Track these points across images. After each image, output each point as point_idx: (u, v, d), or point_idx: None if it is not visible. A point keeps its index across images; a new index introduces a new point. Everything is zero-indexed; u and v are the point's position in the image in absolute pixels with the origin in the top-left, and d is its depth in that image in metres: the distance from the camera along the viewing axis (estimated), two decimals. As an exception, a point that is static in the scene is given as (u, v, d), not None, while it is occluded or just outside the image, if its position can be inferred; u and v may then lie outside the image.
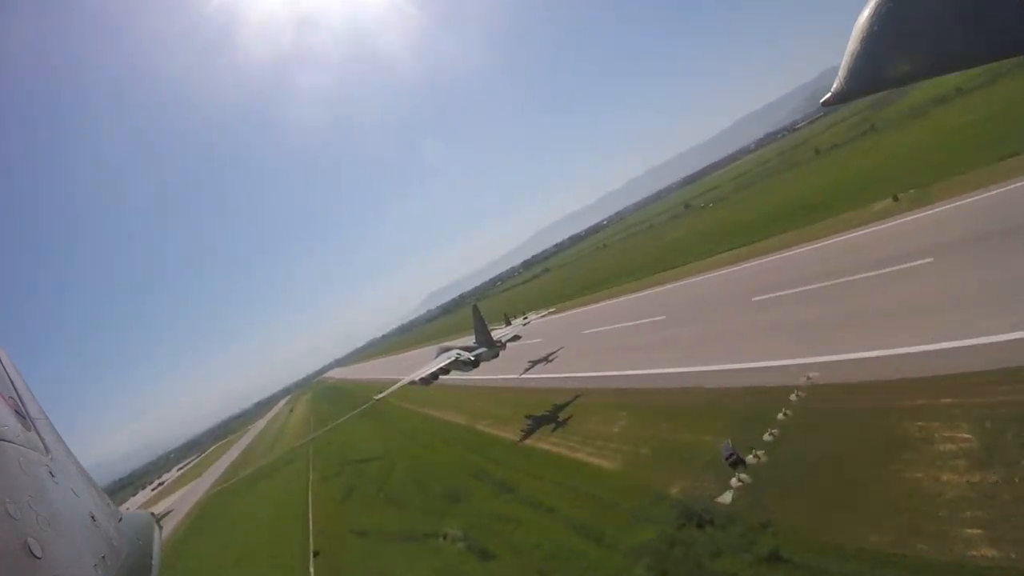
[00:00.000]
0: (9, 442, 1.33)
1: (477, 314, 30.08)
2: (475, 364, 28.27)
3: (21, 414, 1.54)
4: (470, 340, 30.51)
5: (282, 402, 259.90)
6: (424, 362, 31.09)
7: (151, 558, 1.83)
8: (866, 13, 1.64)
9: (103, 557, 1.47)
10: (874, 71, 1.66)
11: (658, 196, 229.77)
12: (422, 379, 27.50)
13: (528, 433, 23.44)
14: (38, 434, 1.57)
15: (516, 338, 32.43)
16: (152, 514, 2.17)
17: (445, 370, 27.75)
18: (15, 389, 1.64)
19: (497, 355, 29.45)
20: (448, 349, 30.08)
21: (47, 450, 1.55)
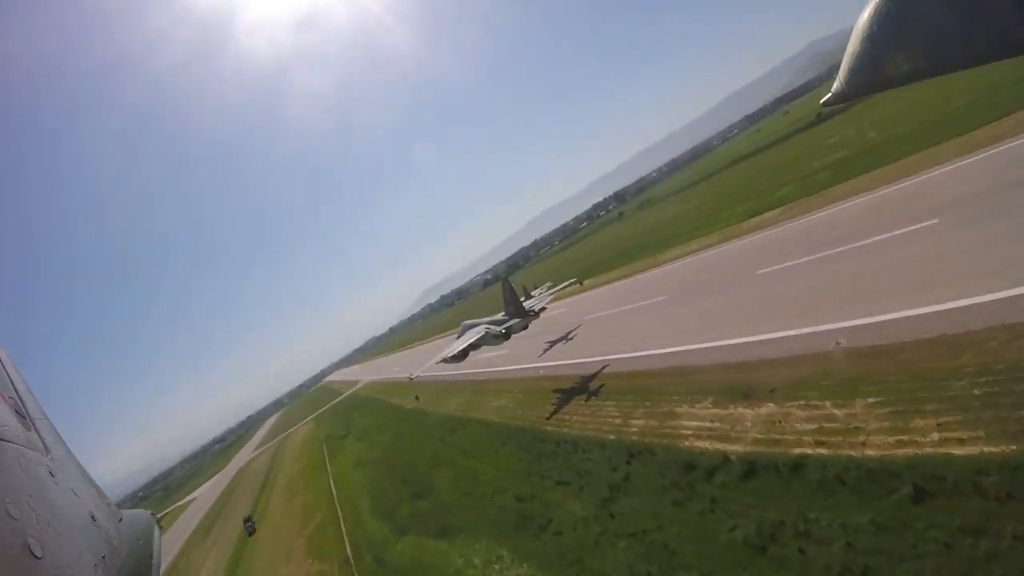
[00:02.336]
0: (9, 442, 1.33)
1: (507, 285, 30.13)
2: (506, 336, 28.25)
3: (21, 414, 1.54)
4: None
5: (266, 426, 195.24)
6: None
7: (151, 558, 1.83)
8: (866, 13, 1.65)
9: (103, 557, 1.47)
10: (874, 71, 1.67)
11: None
12: (453, 357, 27.59)
13: None
14: (38, 434, 1.58)
15: (543, 309, 32.43)
16: (152, 514, 2.18)
17: (475, 345, 28.01)
18: (15, 389, 1.64)
19: (527, 326, 29.50)
20: (475, 325, 29.94)
21: (47, 450, 1.55)
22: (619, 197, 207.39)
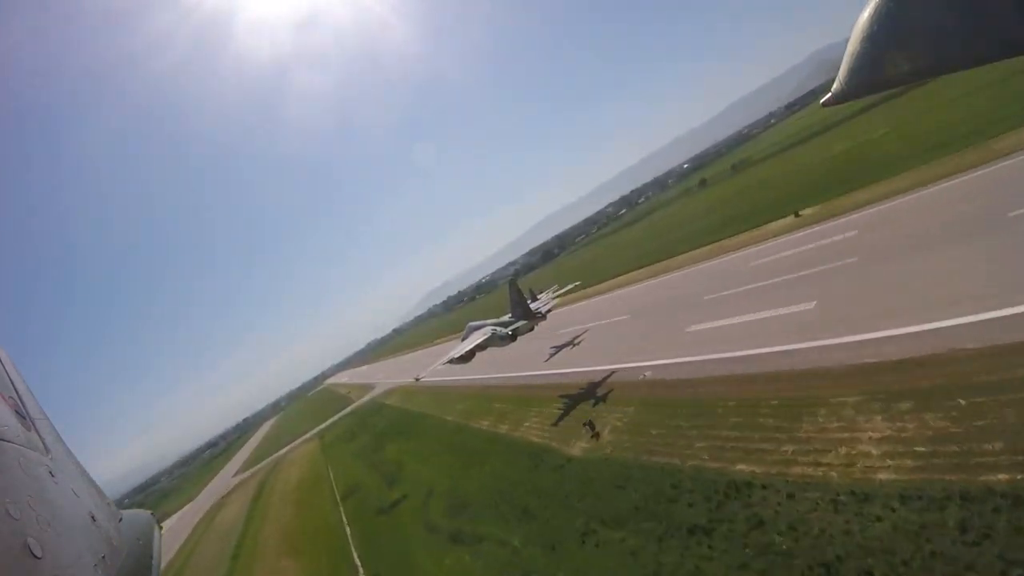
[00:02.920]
0: (9, 442, 1.34)
1: (514, 287, 30.89)
2: (512, 338, 28.81)
3: (21, 414, 1.55)
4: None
5: (256, 436, 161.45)
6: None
7: (151, 558, 1.84)
8: (866, 13, 1.65)
9: (103, 557, 1.48)
10: (874, 71, 1.67)
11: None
12: (460, 357, 27.98)
13: None
14: (38, 434, 1.58)
15: (549, 311, 32.96)
16: (152, 514, 2.19)
17: (482, 347, 28.44)
18: (15, 389, 1.65)
19: (533, 328, 29.96)
20: (481, 326, 30.46)
21: (47, 450, 1.56)
22: (659, 184, 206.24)
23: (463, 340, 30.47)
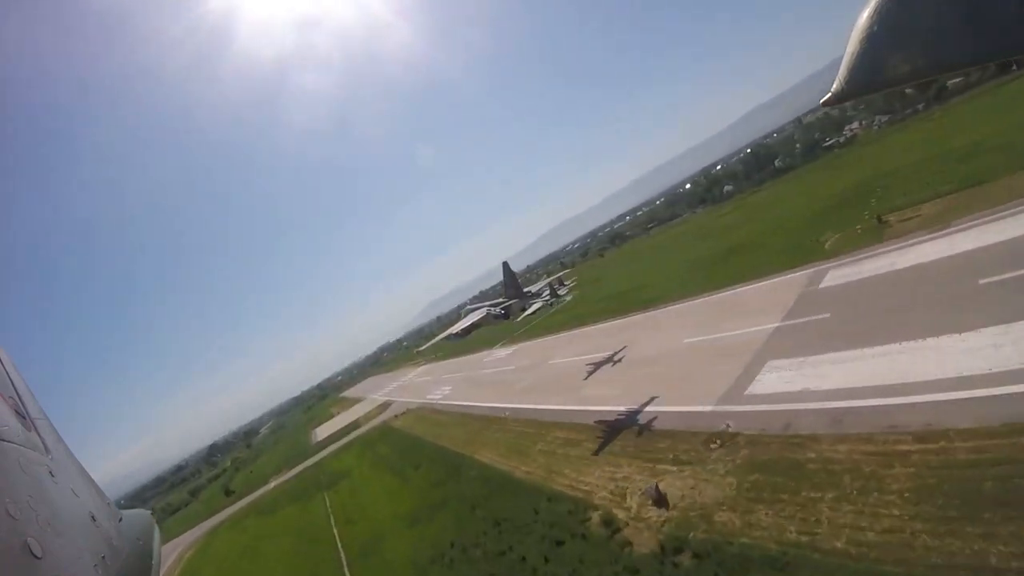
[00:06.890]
0: (9, 442, 1.35)
1: (507, 269, 33.47)
2: (505, 316, 31.68)
3: (21, 414, 1.56)
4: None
5: None
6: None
7: (151, 558, 1.84)
8: (866, 13, 1.65)
9: (103, 557, 1.48)
10: (874, 71, 1.66)
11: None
12: (456, 334, 31.40)
13: None
14: (38, 434, 1.59)
15: (541, 290, 35.27)
16: (152, 513, 2.19)
17: (477, 325, 31.49)
18: (15, 389, 1.66)
19: (524, 308, 32.52)
20: (476, 308, 33.41)
21: (47, 450, 1.57)
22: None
23: (460, 321, 34.03)
